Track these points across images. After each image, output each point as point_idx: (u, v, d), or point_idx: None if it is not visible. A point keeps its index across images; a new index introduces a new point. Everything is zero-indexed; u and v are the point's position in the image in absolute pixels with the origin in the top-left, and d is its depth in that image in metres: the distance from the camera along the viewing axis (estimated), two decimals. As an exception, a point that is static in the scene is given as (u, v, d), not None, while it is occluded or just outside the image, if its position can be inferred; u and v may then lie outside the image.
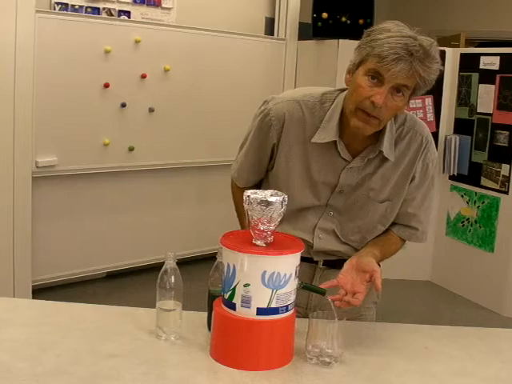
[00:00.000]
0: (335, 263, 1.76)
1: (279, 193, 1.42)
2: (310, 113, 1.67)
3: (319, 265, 1.77)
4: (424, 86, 1.54)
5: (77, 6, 3.95)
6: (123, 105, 4.02)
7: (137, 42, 4.00)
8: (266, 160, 1.76)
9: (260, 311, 1.39)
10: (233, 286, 1.40)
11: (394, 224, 1.79)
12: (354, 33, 4.34)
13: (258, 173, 1.80)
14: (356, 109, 1.55)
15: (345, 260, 1.77)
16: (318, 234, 1.74)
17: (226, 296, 1.42)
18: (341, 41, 4.41)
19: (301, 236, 1.63)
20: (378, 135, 1.65)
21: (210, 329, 1.53)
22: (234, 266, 1.39)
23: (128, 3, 4.18)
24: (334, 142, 1.65)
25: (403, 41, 1.45)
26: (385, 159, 1.67)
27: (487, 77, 4.26)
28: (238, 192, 1.85)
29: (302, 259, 1.47)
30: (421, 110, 4.50)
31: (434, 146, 1.74)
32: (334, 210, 1.73)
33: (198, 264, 4.04)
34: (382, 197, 1.71)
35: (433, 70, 1.50)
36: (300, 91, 1.75)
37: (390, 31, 1.48)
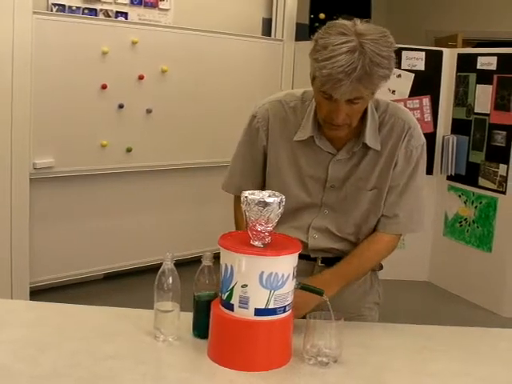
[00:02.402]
0: (334, 261, 1.76)
1: (277, 193, 1.42)
2: (293, 111, 1.71)
3: (318, 262, 1.77)
4: (382, 82, 1.51)
5: (74, 8, 3.95)
6: (121, 106, 4.02)
7: (134, 43, 4.00)
8: (258, 165, 1.77)
9: (258, 312, 1.39)
10: (230, 287, 1.40)
11: (378, 221, 1.77)
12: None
13: (251, 178, 1.78)
14: (323, 121, 1.61)
15: (342, 257, 1.77)
16: (312, 233, 1.74)
17: (224, 297, 1.42)
18: (338, 41, 4.40)
19: (295, 236, 1.64)
20: (362, 125, 1.67)
21: (194, 334, 1.54)
22: (231, 267, 1.39)
23: (125, 4, 4.18)
24: (313, 137, 1.68)
25: (339, 62, 1.42)
26: (368, 149, 1.69)
27: (484, 77, 4.26)
28: (238, 210, 1.84)
29: (301, 256, 1.47)
30: (418, 111, 4.51)
31: (420, 132, 1.73)
32: (328, 208, 1.74)
33: (196, 265, 4.02)
34: (370, 185, 1.72)
35: (378, 76, 1.47)
36: (282, 93, 1.79)
37: (327, 48, 1.44)
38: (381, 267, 1.90)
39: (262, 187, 1.77)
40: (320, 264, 1.78)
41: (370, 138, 1.67)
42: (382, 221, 1.76)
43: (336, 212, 1.74)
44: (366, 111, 1.65)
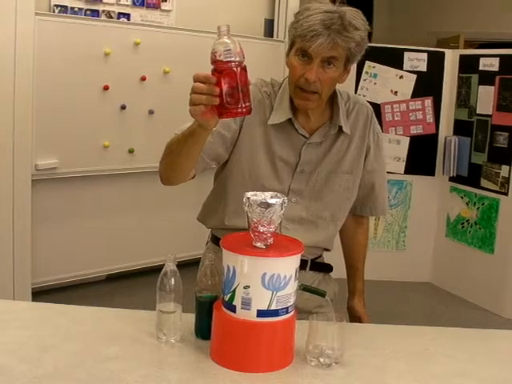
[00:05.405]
0: (302, 264, 1.73)
1: (279, 194, 1.42)
2: (267, 95, 1.78)
3: None
4: (355, 53, 1.62)
5: (76, 9, 3.96)
6: (123, 107, 4.02)
7: (136, 44, 4.00)
8: (221, 141, 1.69)
9: (260, 313, 1.39)
10: (233, 288, 1.40)
11: (358, 206, 1.87)
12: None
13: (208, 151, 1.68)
14: (295, 88, 1.67)
15: (305, 261, 1.75)
16: (284, 224, 1.74)
17: (226, 298, 1.42)
18: (340, 42, 4.40)
19: None
20: (332, 112, 1.73)
21: (197, 335, 1.54)
22: (234, 268, 1.39)
23: (127, 5, 4.19)
24: (290, 120, 1.71)
25: (319, 17, 1.55)
26: (339, 133, 1.74)
27: (487, 78, 4.26)
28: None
29: None
30: (420, 112, 4.51)
31: None
32: (296, 195, 1.76)
33: (198, 266, 4.02)
34: (343, 169, 1.76)
35: (354, 37, 1.57)
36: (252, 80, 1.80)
37: (309, 10, 1.58)
38: (331, 269, 1.91)
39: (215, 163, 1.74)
40: None
41: (345, 121, 1.73)
42: (367, 205, 1.86)
43: (306, 198, 1.76)
44: (335, 96, 1.73)
